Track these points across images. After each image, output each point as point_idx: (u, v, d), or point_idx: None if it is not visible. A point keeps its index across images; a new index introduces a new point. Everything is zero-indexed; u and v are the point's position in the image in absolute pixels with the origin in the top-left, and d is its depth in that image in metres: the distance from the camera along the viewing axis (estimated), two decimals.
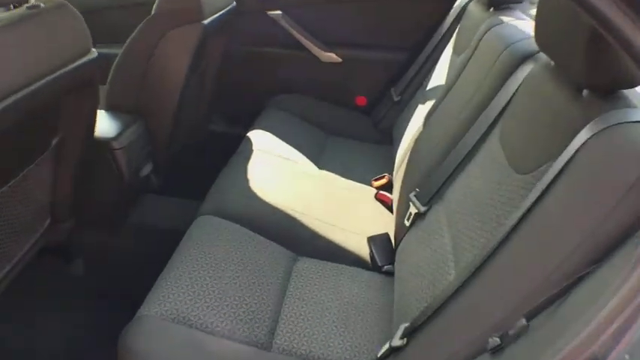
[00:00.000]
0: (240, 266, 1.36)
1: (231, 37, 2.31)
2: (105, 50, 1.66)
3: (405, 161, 1.75)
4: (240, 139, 2.07)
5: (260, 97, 2.45)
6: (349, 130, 2.36)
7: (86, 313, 1.76)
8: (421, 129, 1.76)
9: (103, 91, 1.54)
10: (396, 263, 1.46)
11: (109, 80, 1.76)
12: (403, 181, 1.66)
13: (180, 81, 1.75)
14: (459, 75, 1.66)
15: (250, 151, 1.97)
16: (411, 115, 2.04)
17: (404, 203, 1.54)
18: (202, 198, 1.69)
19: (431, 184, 1.40)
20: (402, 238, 1.47)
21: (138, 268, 1.60)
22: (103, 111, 1.77)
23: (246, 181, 1.75)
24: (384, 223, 1.72)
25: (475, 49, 1.62)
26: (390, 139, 2.27)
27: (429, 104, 1.86)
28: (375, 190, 1.91)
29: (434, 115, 1.72)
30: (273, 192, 1.71)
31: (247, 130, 2.15)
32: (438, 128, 1.59)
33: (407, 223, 1.44)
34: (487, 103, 1.33)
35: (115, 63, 1.76)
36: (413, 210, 1.42)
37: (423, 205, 1.39)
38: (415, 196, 1.43)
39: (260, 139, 2.07)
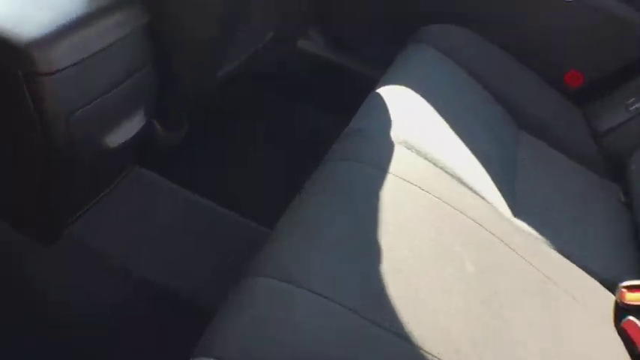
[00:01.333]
0: None
1: None
2: None
3: None
4: (347, 72, 1.33)
5: (398, 21, 1.37)
6: (551, 127, 1.24)
7: None
8: None
9: None
10: None
11: None
12: None
13: None
14: None
15: (374, 141, 0.90)
16: None
17: None
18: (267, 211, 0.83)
19: None
20: None
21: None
22: None
23: (359, 252, 0.68)
24: None
25: None
26: (617, 170, 1.19)
27: None
28: (614, 303, 0.85)
29: None
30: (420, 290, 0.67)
31: (361, 63, 1.37)
32: None
33: None
34: None
35: None
36: None
37: None
38: None
39: (397, 111, 1.00)
